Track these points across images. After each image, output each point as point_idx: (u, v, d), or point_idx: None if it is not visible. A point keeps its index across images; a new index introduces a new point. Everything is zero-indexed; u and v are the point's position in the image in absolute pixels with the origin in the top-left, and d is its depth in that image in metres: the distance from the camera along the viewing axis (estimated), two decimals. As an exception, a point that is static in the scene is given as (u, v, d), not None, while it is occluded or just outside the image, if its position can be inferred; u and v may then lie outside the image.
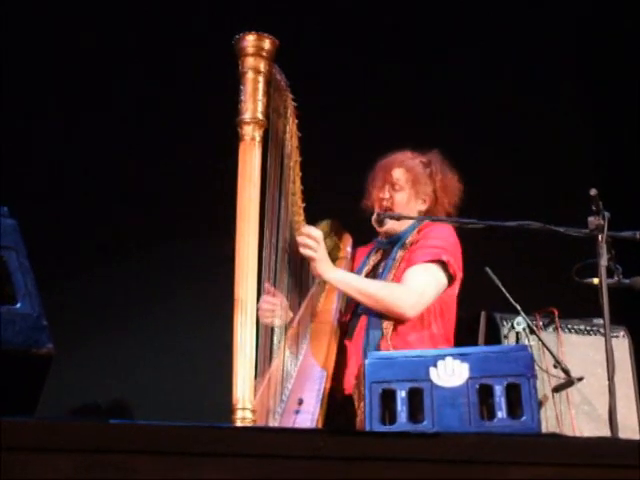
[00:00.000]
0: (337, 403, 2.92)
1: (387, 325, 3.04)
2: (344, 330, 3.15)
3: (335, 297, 3.21)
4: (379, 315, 3.06)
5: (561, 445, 1.92)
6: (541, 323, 3.57)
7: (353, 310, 3.18)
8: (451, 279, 3.13)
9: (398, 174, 3.26)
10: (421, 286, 3.06)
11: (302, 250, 2.97)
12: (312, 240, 2.97)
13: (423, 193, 3.27)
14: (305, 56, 4.14)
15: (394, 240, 3.26)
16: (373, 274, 3.24)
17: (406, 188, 3.25)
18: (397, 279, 3.11)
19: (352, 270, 3.34)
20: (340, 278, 3.09)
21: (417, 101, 4.60)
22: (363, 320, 3.10)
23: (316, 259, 2.99)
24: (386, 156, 3.33)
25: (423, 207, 3.28)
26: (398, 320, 3.04)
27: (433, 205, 3.28)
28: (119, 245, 4.18)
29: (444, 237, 3.16)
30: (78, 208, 4.14)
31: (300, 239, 2.96)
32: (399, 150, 3.33)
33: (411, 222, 3.25)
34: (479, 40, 4.79)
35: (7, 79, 4.01)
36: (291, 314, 3.09)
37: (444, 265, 3.09)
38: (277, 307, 2.98)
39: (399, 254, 3.18)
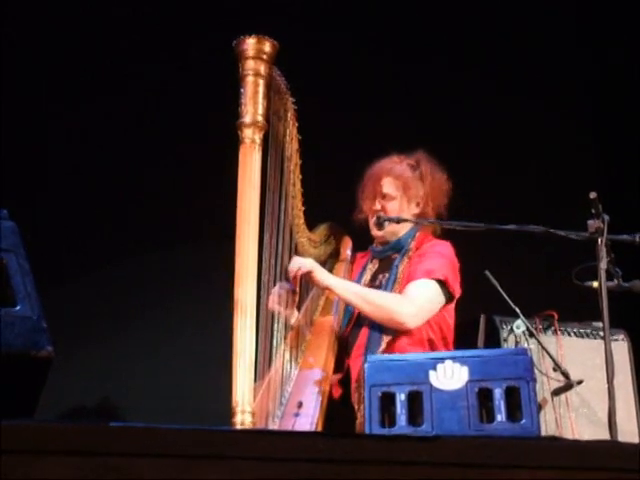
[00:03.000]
0: (337, 406, 2.92)
1: (388, 340, 3.01)
2: (345, 333, 3.14)
3: (335, 299, 3.20)
4: (379, 327, 3.04)
5: (560, 448, 1.92)
6: (541, 326, 3.56)
7: (354, 317, 3.16)
8: (450, 297, 3.11)
9: (387, 183, 3.22)
10: (422, 299, 3.04)
11: (295, 275, 2.95)
12: (295, 264, 2.95)
13: (415, 196, 3.23)
14: (305, 59, 4.13)
15: (393, 246, 3.24)
16: (372, 285, 3.20)
17: (397, 196, 3.21)
18: (400, 292, 3.08)
19: (352, 273, 3.33)
20: (340, 284, 3.07)
21: (418, 104, 4.60)
22: (364, 330, 3.08)
23: (311, 270, 2.98)
24: (372, 165, 3.28)
25: (417, 210, 3.23)
26: (398, 334, 3.02)
27: (425, 206, 3.24)
28: (119, 247, 4.17)
29: (443, 255, 3.14)
30: (78, 211, 4.13)
31: (289, 270, 2.94)
32: (385, 155, 3.28)
33: (409, 226, 3.24)
34: (479, 42, 4.78)
35: (7, 81, 4.01)
36: (296, 313, 3.08)
37: (442, 283, 3.07)
38: (290, 295, 2.97)
39: (401, 267, 3.15)
